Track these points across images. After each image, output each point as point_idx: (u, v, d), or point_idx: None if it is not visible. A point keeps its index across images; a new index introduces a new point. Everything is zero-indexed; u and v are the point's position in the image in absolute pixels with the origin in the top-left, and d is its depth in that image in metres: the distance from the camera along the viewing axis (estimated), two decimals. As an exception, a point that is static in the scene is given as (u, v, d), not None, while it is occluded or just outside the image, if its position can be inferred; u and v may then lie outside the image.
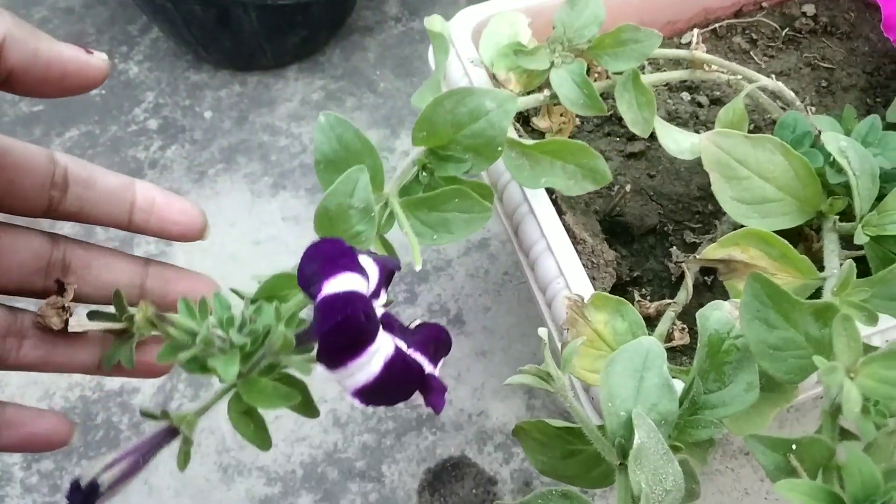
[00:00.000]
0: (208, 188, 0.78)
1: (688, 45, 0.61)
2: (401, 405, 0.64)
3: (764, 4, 0.63)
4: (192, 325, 0.28)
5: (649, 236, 0.53)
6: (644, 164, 0.55)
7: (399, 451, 0.63)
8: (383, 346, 0.28)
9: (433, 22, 0.49)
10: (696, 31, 0.52)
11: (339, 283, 0.27)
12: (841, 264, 0.39)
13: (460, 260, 0.73)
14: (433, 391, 0.30)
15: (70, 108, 0.85)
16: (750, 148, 0.41)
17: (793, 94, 0.50)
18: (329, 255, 0.27)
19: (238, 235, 0.75)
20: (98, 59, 0.32)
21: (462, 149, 0.42)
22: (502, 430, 0.64)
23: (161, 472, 0.63)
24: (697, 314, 0.37)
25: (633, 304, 0.41)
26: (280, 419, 0.64)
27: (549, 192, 0.48)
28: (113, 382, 0.67)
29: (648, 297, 0.49)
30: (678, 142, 0.48)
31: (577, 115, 0.57)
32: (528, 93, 0.49)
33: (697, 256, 0.45)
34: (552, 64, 0.47)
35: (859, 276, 0.37)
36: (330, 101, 0.85)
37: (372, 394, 0.28)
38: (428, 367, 0.30)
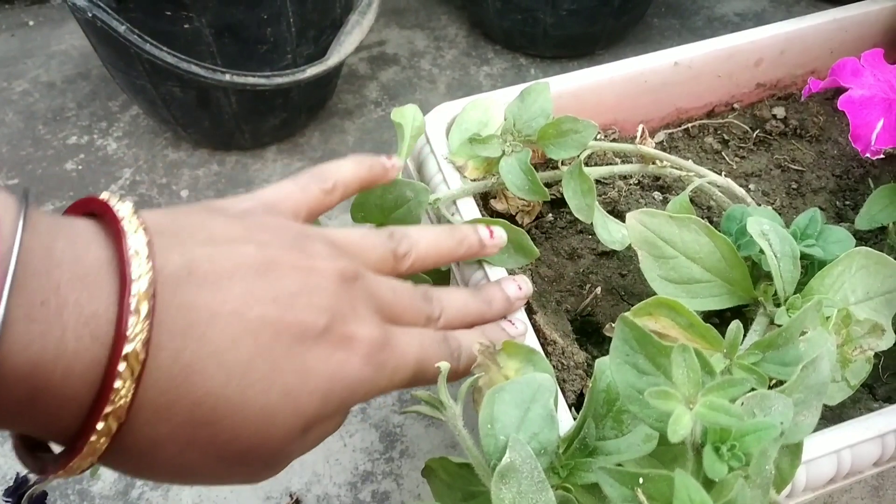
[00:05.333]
0: (180, 268, 0.77)
1: (660, 143, 0.62)
2: None
3: (735, 106, 0.64)
4: None
5: (620, 336, 0.53)
6: (616, 263, 0.55)
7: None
8: None
9: (401, 113, 0.51)
10: (641, 125, 0.53)
11: None
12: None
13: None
14: None
15: (46, 182, 0.84)
16: (675, 228, 0.41)
17: (743, 191, 0.51)
18: None
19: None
20: None
21: None
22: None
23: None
24: (597, 362, 0.36)
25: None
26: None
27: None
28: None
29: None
30: (611, 232, 0.50)
31: (551, 211, 0.57)
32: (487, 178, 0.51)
33: (612, 325, 0.44)
34: (503, 152, 0.49)
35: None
36: (307, 183, 0.85)
37: None
38: None
